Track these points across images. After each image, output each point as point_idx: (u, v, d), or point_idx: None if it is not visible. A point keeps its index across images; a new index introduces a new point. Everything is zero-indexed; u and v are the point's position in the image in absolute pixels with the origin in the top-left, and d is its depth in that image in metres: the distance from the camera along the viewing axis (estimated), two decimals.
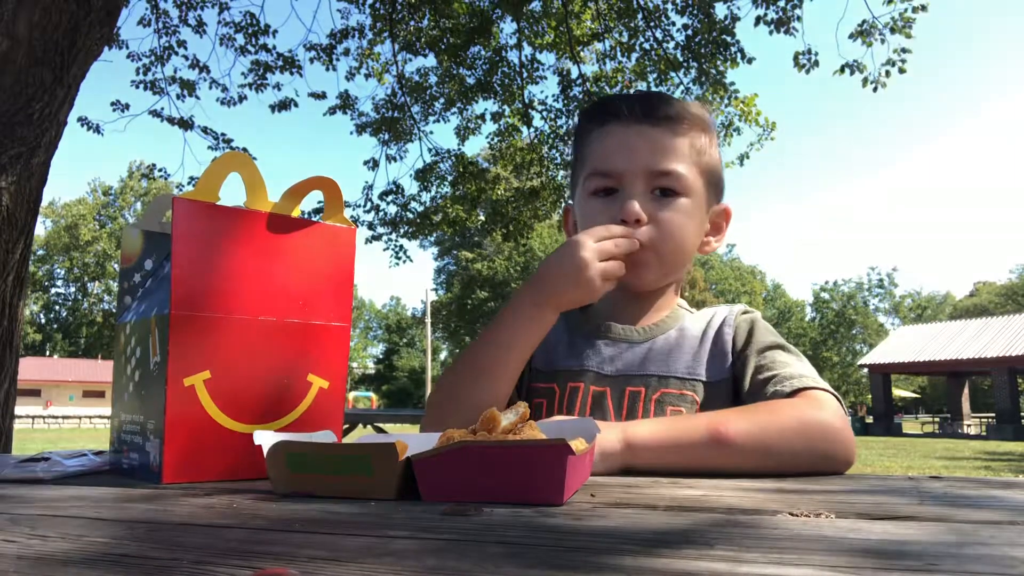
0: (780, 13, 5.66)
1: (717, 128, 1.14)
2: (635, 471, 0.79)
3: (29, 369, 36.53)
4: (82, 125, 6.15)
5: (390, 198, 7.97)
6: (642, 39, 6.54)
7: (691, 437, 0.79)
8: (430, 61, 7.56)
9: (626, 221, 0.98)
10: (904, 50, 5.61)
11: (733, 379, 1.02)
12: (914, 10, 5.47)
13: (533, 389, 1.08)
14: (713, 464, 0.78)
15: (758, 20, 5.76)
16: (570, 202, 1.17)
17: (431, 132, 8.50)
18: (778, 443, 0.79)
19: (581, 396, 1.03)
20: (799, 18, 5.67)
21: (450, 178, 8.06)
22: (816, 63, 5.90)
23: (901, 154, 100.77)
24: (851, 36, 5.69)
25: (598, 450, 0.71)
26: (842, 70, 5.74)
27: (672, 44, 6.40)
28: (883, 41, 5.61)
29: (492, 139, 7.96)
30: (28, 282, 2.61)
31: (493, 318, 1.01)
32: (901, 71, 5.64)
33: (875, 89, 5.70)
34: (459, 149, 8.02)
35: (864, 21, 5.64)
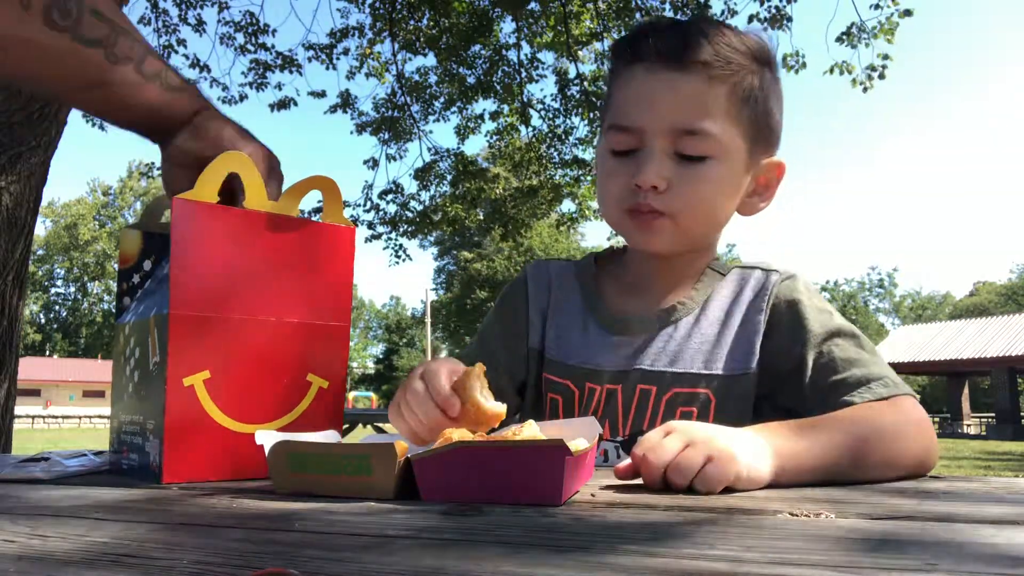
0: (773, 11, 5.68)
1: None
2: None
3: (29, 369, 36.52)
4: (86, 120, 6.18)
5: (389, 197, 7.98)
6: None
7: (836, 465, 0.71)
8: (430, 60, 7.58)
9: (641, 187, 0.88)
10: (886, 56, 5.66)
11: (761, 370, 0.93)
12: (900, 15, 5.50)
13: (548, 381, 1.02)
14: (843, 480, 0.71)
15: (751, 18, 5.78)
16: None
17: (431, 131, 8.51)
18: (902, 460, 0.77)
19: (597, 397, 0.98)
20: (790, 18, 5.69)
21: (449, 177, 8.07)
22: (804, 64, 5.94)
23: (902, 152, 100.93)
24: (838, 39, 5.74)
25: (750, 476, 0.65)
26: (831, 70, 5.79)
27: None
28: (868, 45, 5.67)
29: (491, 138, 7.97)
30: (28, 282, 2.61)
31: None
32: (881, 77, 5.70)
33: (864, 90, 5.77)
34: (459, 148, 8.04)
35: (852, 24, 5.68)
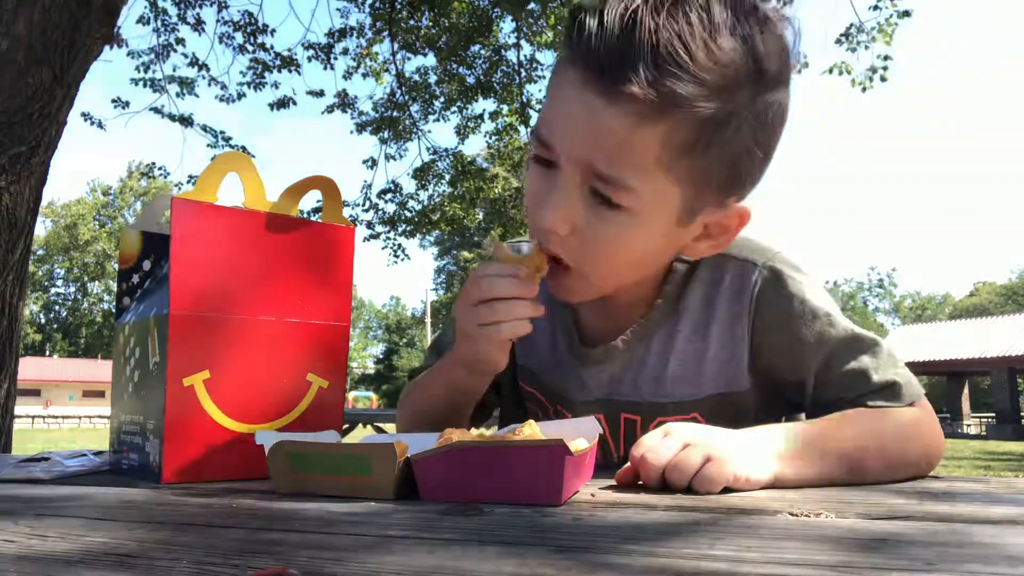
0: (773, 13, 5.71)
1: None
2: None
3: (29, 369, 36.52)
4: (85, 120, 6.20)
5: (388, 197, 7.99)
6: None
7: (836, 469, 0.70)
8: (430, 60, 7.59)
9: (541, 227, 0.75)
10: (887, 57, 5.69)
11: (754, 381, 0.87)
12: (899, 16, 5.52)
13: (523, 389, 1.01)
14: (842, 483, 0.71)
15: None
16: None
17: (430, 131, 8.53)
18: (904, 465, 0.76)
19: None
20: (788, 19, 5.72)
21: (448, 177, 8.08)
22: (806, 64, 5.97)
23: (902, 152, 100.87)
24: (837, 40, 5.76)
25: (749, 477, 0.64)
26: (830, 71, 5.81)
27: None
28: (867, 47, 5.69)
29: (490, 138, 7.98)
30: (28, 282, 2.61)
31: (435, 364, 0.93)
32: (883, 79, 5.72)
33: (864, 90, 5.79)
34: (458, 147, 8.05)
35: (851, 25, 5.70)
